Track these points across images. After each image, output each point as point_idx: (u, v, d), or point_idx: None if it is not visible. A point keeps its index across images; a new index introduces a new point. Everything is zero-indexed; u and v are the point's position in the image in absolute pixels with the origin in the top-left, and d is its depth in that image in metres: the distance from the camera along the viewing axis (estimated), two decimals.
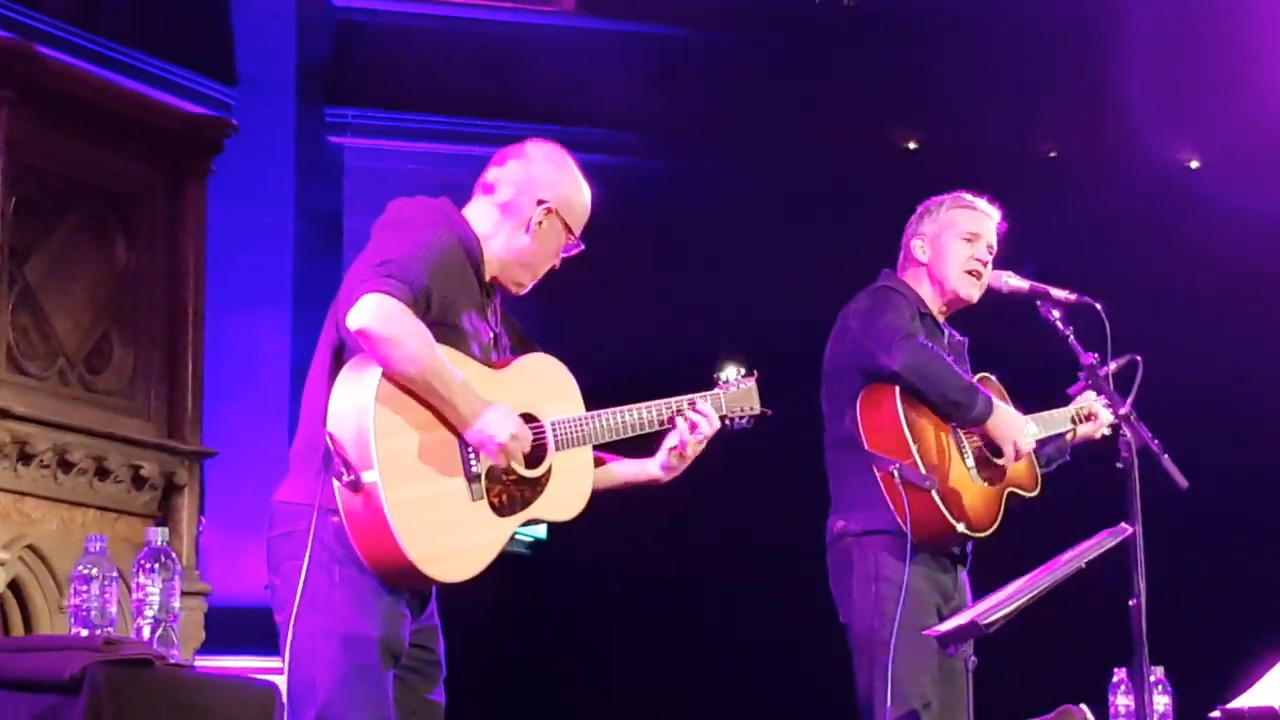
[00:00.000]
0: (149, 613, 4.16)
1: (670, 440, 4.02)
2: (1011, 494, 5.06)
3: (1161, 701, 5.23)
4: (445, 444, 3.71)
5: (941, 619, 4.75)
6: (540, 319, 4.32)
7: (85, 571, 4.08)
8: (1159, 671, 5.16)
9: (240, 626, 6.42)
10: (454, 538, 3.70)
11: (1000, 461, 5.02)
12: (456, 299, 3.81)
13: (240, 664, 6.47)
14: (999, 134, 9.29)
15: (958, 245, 5.16)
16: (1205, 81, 9.06)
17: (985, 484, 5.01)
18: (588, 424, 3.92)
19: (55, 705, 3.76)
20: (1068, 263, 6.20)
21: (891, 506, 4.84)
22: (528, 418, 3.82)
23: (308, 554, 3.65)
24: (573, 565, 8.53)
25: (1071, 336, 4.93)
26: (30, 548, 5.74)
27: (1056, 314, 4.96)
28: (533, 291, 4.01)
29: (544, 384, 3.92)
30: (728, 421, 4.08)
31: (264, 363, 8.41)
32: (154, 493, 6.09)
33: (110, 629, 4.07)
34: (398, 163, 9.05)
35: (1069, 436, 5.30)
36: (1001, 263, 5.20)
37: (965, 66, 9.15)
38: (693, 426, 4.00)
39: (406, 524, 3.61)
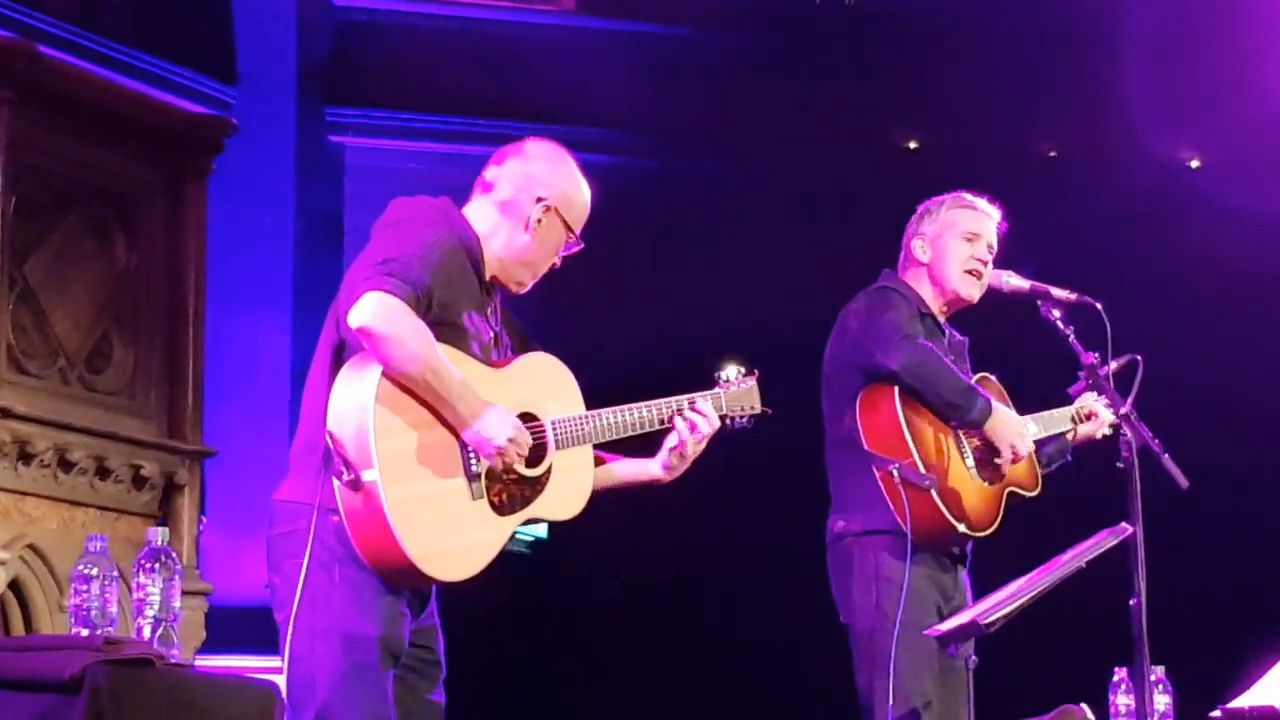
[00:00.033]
0: (149, 612, 4.15)
1: (671, 440, 4.01)
2: (1011, 494, 5.06)
3: (1162, 701, 5.22)
4: (445, 443, 3.71)
5: (942, 619, 4.74)
6: (540, 319, 4.31)
7: (85, 571, 4.07)
8: (1159, 671, 5.15)
9: (240, 626, 6.42)
10: (454, 537, 3.69)
11: (999, 462, 5.02)
12: (457, 298, 3.80)
13: (240, 663, 6.47)
14: (999, 134, 9.29)
15: (958, 245, 5.15)
16: (1205, 81, 9.06)
17: (985, 484, 5.01)
18: (588, 423, 3.91)
19: (55, 705, 3.75)
20: (1068, 263, 6.20)
21: (891, 506, 4.84)
22: (528, 416, 3.82)
23: (308, 553, 3.65)
24: (573, 565, 8.53)
25: (1072, 336, 4.92)
26: (31, 547, 5.72)
27: (1057, 314, 4.96)
28: (533, 291, 4.01)
29: (544, 383, 3.91)
30: (728, 421, 4.07)
31: (264, 363, 8.41)
32: (154, 492, 6.08)
33: (111, 629, 4.06)
34: (398, 162, 9.05)
35: (1069, 436, 5.30)
36: (1002, 262, 5.20)
37: (965, 66, 9.15)
38: (692, 426, 3.99)
39: (406, 523, 3.61)
